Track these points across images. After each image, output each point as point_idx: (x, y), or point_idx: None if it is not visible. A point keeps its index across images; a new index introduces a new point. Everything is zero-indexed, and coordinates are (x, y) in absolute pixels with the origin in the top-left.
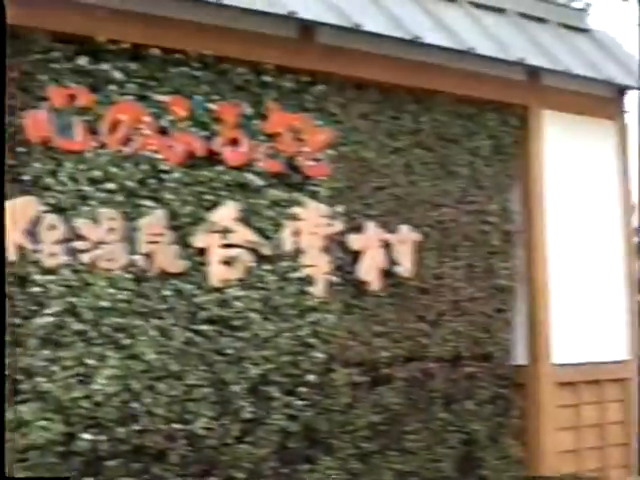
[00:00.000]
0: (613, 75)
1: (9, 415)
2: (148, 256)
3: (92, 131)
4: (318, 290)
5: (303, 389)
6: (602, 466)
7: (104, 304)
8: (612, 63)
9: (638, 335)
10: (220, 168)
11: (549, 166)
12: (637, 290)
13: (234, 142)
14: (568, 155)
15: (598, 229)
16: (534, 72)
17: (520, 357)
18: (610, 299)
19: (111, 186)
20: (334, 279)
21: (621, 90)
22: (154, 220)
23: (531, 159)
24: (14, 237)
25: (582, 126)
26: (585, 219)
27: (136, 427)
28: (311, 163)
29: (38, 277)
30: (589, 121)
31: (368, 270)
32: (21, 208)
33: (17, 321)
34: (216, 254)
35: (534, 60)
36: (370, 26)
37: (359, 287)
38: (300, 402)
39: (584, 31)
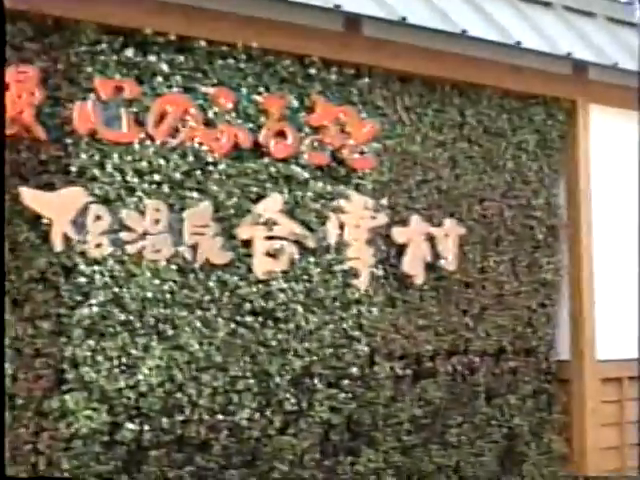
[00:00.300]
0: None
1: (54, 404)
2: (193, 247)
3: (138, 123)
4: (362, 283)
5: (346, 382)
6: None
7: (149, 295)
8: None
9: None
10: (265, 160)
11: (595, 161)
12: None
13: (280, 134)
14: (614, 150)
15: None
16: (581, 66)
17: (563, 352)
18: None
19: (157, 177)
20: (378, 272)
21: None
22: (199, 212)
23: (577, 153)
24: (60, 227)
25: (629, 120)
26: (630, 214)
27: (180, 418)
28: (356, 156)
29: (84, 267)
30: (636, 115)
31: (412, 263)
32: (68, 199)
33: (62, 311)
34: (261, 246)
35: (581, 54)
36: (415, 19)
37: (403, 280)
38: (343, 395)
39: (632, 25)
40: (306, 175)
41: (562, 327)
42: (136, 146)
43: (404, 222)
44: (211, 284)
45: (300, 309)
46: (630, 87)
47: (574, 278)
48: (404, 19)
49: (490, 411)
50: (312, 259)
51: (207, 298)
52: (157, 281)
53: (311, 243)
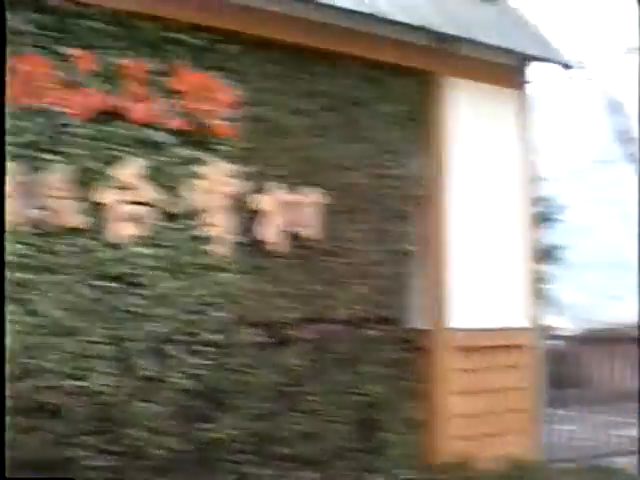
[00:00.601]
0: (517, 44)
1: None
2: (50, 211)
3: None
4: (223, 250)
5: (206, 348)
6: (500, 431)
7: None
8: (517, 32)
9: (537, 303)
10: (126, 124)
11: (454, 133)
12: (536, 259)
13: (141, 98)
14: (473, 123)
15: (499, 197)
16: (440, 38)
17: (421, 321)
18: (510, 267)
19: (14, 139)
20: (239, 239)
21: (525, 60)
22: (57, 174)
23: (436, 125)
24: None
25: (486, 94)
26: (487, 187)
27: (35, 383)
28: (219, 122)
29: None
30: (493, 90)
31: (273, 231)
32: None
33: None
34: (119, 211)
35: (440, 26)
36: None
37: (264, 248)
38: (202, 361)
39: (490, 0)
40: (167, 140)
41: (420, 296)
42: None
43: (266, 190)
44: (67, 248)
45: (158, 274)
46: (487, 61)
47: (431, 248)
48: None
49: (349, 379)
50: (172, 225)
51: (63, 262)
52: (12, 244)
53: (171, 209)
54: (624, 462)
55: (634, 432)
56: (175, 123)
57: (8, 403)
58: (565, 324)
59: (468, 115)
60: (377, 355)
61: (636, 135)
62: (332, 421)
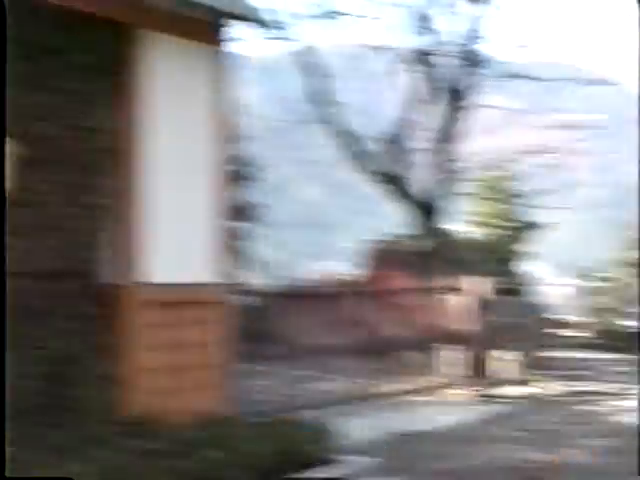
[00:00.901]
0: (216, 1)
1: None
2: None
3: None
4: None
5: None
6: (191, 385)
7: None
8: None
9: (230, 260)
10: None
11: (150, 87)
12: (232, 217)
13: None
14: (168, 78)
15: (193, 154)
16: None
17: (113, 275)
18: (203, 224)
19: None
20: None
21: (221, 16)
22: None
23: (132, 78)
24: None
25: (184, 50)
26: (182, 142)
27: None
28: None
29: None
30: (191, 45)
31: None
32: None
33: None
34: None
35: None
36: None
37: None
38: None
39: None
40: None
41: (113, 250)
42: None
43: None
44: None
45: None
46: (187, 16)
47: (125, 202)
48: None
49: (38, 334)
50: None
51: None
52: None
53: None
54: (315, 415)
55: (325, 386)
56: None
57: None
58: (262, 281)
59: (164, 70)
60: (68, 309)
61: (331, 97)
62: (21, 377)
